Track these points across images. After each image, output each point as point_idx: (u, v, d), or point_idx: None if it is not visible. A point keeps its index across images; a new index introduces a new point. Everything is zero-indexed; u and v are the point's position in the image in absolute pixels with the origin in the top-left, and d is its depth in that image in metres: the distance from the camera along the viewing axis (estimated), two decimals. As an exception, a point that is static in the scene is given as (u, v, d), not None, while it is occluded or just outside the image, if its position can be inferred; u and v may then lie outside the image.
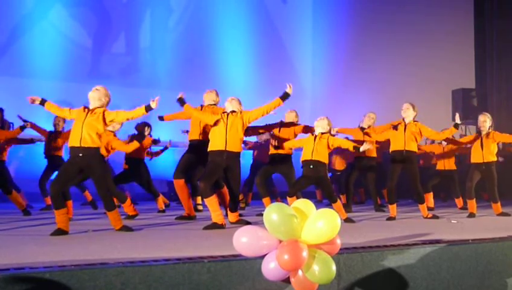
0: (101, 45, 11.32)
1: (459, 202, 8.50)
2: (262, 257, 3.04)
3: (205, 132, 5.99)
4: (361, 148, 5.86)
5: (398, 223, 6.13)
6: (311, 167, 5.97)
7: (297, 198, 5.59)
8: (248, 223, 5.26)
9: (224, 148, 5.37)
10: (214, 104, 6.34)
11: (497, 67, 13.79)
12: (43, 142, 7.89)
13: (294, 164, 6.69)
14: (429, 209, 7.37)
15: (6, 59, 10.38)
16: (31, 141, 7.51)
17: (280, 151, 6.62)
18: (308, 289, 3.06)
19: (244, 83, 11.39)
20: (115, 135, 6.86)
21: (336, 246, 3.15)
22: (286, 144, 6.40)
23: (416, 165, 6.71)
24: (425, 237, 4.45)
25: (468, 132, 12.87)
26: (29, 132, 7.89)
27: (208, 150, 5.49)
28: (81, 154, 4.72)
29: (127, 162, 7.35)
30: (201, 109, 6.28)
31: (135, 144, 6.72)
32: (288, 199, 6.03)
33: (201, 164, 5.95)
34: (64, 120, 7.74)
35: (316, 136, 6.03)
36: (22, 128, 7.14)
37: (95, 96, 4.83)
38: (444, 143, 8.33)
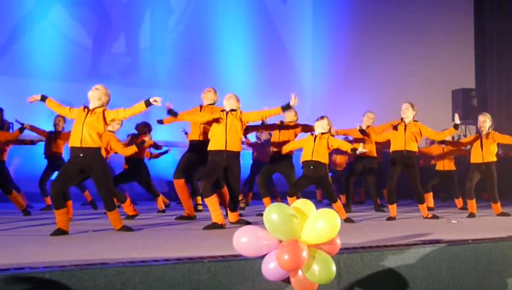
0: (101, 45, 11.32)
1: (458, 202, 8.50)
2: (262, 257, 3.04)
3: (205, 132, 5.99)
4: (358, 151, 5.84)
5: (398, 223, 6.13)
6: (312, 167, 5.97)
7: (298, 198, 5.61)
8: (248, 223, 5.26)
9: (224, 148, 5.38)
10: (213, 104, 6.34)
11: (497, 67, 13.78)
12: (43, 143, 7.89)
13: (295, 164, 6.69)
14: (429, 209, 7.37)
15: (6, 59, 10.38)
16: (31, 142, 7.51)
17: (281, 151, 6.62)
18: (308, 289, 3.06)
19: (244, 83, 11.39)
20: (114, 136, 6.85)
21: (336, 246, 3.15)
22: (285, 147, 6.39)
23: (417, 165, 6.71)
24: (425, 237, 4.45)
25: (468, 132, 12.87)
26: (29, 133, 7.89)
27: (208, 149, 5.49)
28: (81, 155, 4.72)
29: (127, 162, 7.35)
30: (200, 110, 6.27)
31: (133, 149, 6.69)
32: (289, 198, 6.03)
33: (202, 164, 5.95)
34: (64, 120, 7.74)
35: (315, 136, 6.03)
36: (21, 130, 7.12)
37: (95, 96, 4.83)
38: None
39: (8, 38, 10.49)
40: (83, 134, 4.71)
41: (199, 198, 7.48)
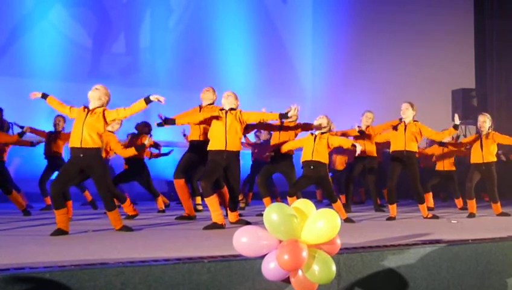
0: (101, 45, 11.32)
1: (458, 202, 8.50)
2: (262, 257, 3.04)
3: (205, 132, 5.98)
4: (357, 152, 5.83)
5: (398, 223, 6.13)
6: (312, 167, 5.97)
7: (298, 198, 5.61)
8: (248, 223, 5.26)
9: (224, 148, 5.38)
10: (212, 103, 6.32)
11: (497, 67, 13.78)
12: (43, 143, 7.89)
13: (295, 163, 6.68)
14: (429, 209, 7.37)
15: (6, 59, 10.38)
16: (31, 144, 7.51)
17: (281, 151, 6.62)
18: (308, 289, 3.06)
19: (244, 83, 11.38)
20: (114, 136, 6.84)
21: (336, 246, 3.15)
22: (285, 146, 6.38)
23: (417, 165, 6.71)
24: (425, 237, 4.45)
25: (468, 132, 12.86)
26: (29, 134, 7.88)
27: (208, 149, 5.49)
28: (81, 155, 4.73)
29: (127, 162, 7.35)
30: (200, 110, 6.27)
31: (132, 151, 6.67)
32: (289, 198, 6.03)
33: (202, 164, 5.95)
34: (64, 120, 7.74)
35: (315, 136, 6.03)
36: (21, 135, 7.09)
37: (95, 96, 4.83)
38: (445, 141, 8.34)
39: (8, 38, 10.49)
40: (83, 134, 4.71)
41: (199, 198, 7.48)
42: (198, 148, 6.08)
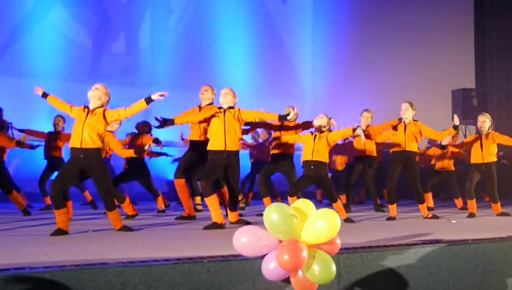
0: (101, 45, 11.33)
1: (458, 202, 8.50)
2: (262, 257, 3.04)
3: (206, 132, 5.97)
4: (356, 132, 5.85)
5: (398, 223, 6.13)
6: (312, 167, 5.97)
7: (298, 198, 5.61)
8: (248, 223, 5.26)
9: (223, 148, 5.37)
10: (211, 103, 6.30)
11: (497, 67, 13.77)
12: (43, 143, 7.89)
13: (295, 163, 6.68)
14: (429, 209, 7.37)
15: (6, 59, 10.39)
16: (31, 147, 7.52)
17: (281, 150, 6.62)
18: (308, 289, 3.06)
19: (244, 83, 11.38)
20: (113, 135, 6.84)
21: (336, 246, 3.15)
22: (285, 137, 6.37)
23: (417, 165, 6.71)
24: (425, 237, 4.45)
25: (468, 132, 12.86)
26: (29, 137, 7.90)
27: (208, 149, 5.49)
28: (82, 156, 4.73)
29: (127, 162, 7.35)
30: (199, 110, 6.25)
31: (131, 153, 6.66)
32: (289, 198, 6.03)
33: (202, 164, 5.94)
34: (64, 120, 7.75)
35: (315, 135, 6.02)
36: (18, 143, 7.06)
37: (95, 96, 4.82)
38: (445, 142, 8.37)
39: (8, 38, 10.49)
40: (83, 135, 4.71)
41: (198, 198, 7.48)
42: (198, 148, 6.07)
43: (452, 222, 6.29)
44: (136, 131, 7.54)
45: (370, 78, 12.72)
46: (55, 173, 6.77)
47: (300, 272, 3.02)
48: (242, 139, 8.42)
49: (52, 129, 7.84)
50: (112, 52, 11.43)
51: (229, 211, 5.63)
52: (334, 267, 3.03)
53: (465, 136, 12.31)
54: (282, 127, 6.64)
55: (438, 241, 4.12)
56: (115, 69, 11.09)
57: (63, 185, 4.86)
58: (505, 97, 13.63)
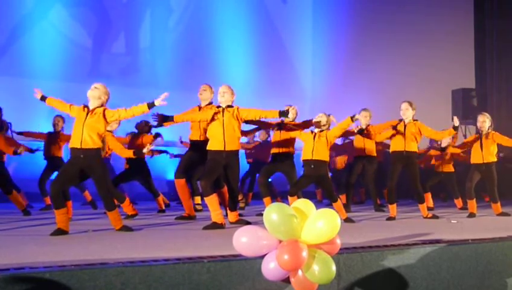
0: (101, 45, 11.33)
1: (458, 202, 8.51)
2: (262, 257, 3.04)
3: (206, 132, 5.96)
4: (355, 117, 5.84)
5: (398, 223, 6.13)
6: (312, 166, 5.97)
7: (298, 197, 5.60)
8: (248, 223, 5.26)
9: (223, 148, 5.36)
10: (211, 102, 6.29)
11: (497, 67, 13.77)
12: (43, 144, 7.89)
13: (295, 162, 6.68)
14: (429, 209, 7.37)
15: (6, 59, 10.39)
16: (30, 150, 7.52)
17: (282, 150, 6.62)
18: (308, 289, 3.06)
19: (244, 83, 11.38)
20: (113, 135, 6.84)
21: (335, 246, 3.16)
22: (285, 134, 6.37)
23: (417, 165, 6.71)
24: (425, 237, 4.45)
25: (468, 132, 12.86)
26: (27, 138, 7.91)
27: (207, 148, 5.48)
28: (82, 156, 4.73)
29: (128, 162, 7.34)
30: (199, 110, 6.25)
31: (130, 154, 6.66)
32: (290, 198, 6.03)
33: (202, 164, 5.93)
34: (63, 120, 7.74)
35: (315, 134, 6.01)
36: (15, 153, 7.05)
37: (95, 95, 4.81)
38: (445, 143, 8.38)
39: (8, 38, 10.50)
40: (83, 136, 4.71)
41: (198, 198, 7.47)
42: (198, 148, 6.07)
43: (452, 222, 6.29)
44: (136, 131, 7.54)
45: (370, 78, 12.72)
46: (55, 173, 6.78)
47: (300, 272, 3.02)
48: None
49: (51, 129, 7.84)
50: (112, 52, 11.43)
51: (228, 211, 5.63)
52: (334, 267, 3.04)
53: (465, 136, 12.31)
54: (282, 127, 6.63)
55: (438, 241, 4.12)
56: (115, 69, 11.09)
57: (63, 185, 4.85)
58: (505, 97, 13.63)
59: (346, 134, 7.69)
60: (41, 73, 10.32)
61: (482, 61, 14.07)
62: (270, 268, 2.99)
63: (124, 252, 3.57)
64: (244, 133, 6.31)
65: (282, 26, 12.97)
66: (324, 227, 3.02)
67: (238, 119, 5.44)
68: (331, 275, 3.02)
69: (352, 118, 5.87)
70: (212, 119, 5.45)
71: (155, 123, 5.57)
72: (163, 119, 5.49)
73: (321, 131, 6.01)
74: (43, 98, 4.97)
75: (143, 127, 7.45)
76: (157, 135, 7.58)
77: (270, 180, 7.20)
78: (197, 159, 6.17)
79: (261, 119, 5.91)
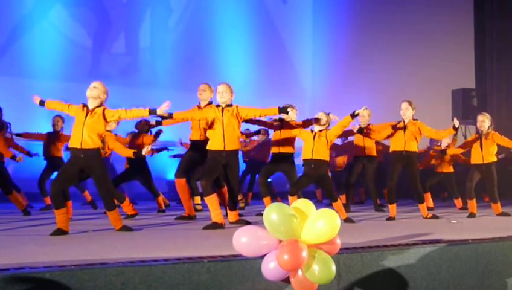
0: (101, 45, 11.33)
1: (458, 202, 8.52)
2: (262, 257, 3.04)
3: (206, 132, 5.96)
4: (357, 111, 5.85)
5: (398, 223, 6.13)
6: (312, 166, 5.97)
7: (299, 197, 5.60)
8: (248, 223, 5.26)
9: (223, 148, 5.36)
10: (211, 102, 6.27)
11: (497, 67, 13.78)
12: (42, 144, 7.89)
13: (296, 162, 6.68)
14: (429, 209, 7.36)
15: (6, 59, 10.39)
16: (28, 154, 7.50)
17: (282, 150, 6.61)
18: (308, 289, 3.06)
19: (244, 83, 11.39)
20: (112, 135, 6.82)
21: (335, 246, 3.15)
22: (285, 132, 6.36)
23: (417, 165, 6.71)
24: (425, 237, 4.45)
25: (468, 132, 12.87)
26: (26, 139, 7.91)
27: (207, 148, 5.47)
28: (82, 156, 4.73)
29: (128, 162, 7.34)
30: (199, 110, 6.23)
31: (129, 154, 6.65)
32: (290, 197, 6.03)
33: (203, 164, 5.93)
34: (63, 120, 7.74)
35: (315, 133, 6.01)
36: (13, 158, 7.03)
37: (94, 95, 4.79)
38: (445, 144, 8.39)
39: (8, 38, 10.50)
40: (83, 136, 4.70)
41: (198, 198, 7.47)
42: (199, 148, 6.06)
43: (452, 222, 6.29)
44: (136, 131, 7.53)
45: (370, 78, 12.72)
46: (55, 173, 6.78)
47: (300, 272, 3.02)
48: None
49: (51, 129, 7.84)
50: (112, 52, 11.43)
51: (228, 211, 5.63)
52: (334, 267, 3.03)
53: (465, 136, 12.32)
54: (282, 127, 6.62)
55: (438, 241, 4.12)
56: (115, 69, 11.10)
57: (63, 184, 4.85)
58: (505, 97, 13.64)
59: (346, 134, 7.69)
60: (41, 73, 10.33)
61: (482, 61, 14.07)
62: (270, 268, 2.99)
63: (124, 252, 3.57)
64: (243, 134, 6.29)
65: (282, 26, 12.98)
66: (324, 227, 3.02)
67: (237, 118, 5.43)
68: (331, 275, 3.02)
69: (352, 115, 5.86)
70: (213, 117, 5.44)
71: (154, 121, 5.56)
72: (163, 117, 5.48)
73: (321, 130, 6.01)
74: (42, 103, 4.98)
75: (143, 127, 7.44)
76: (158, 133, 7.56)
77: (270, 180, 7.20)
78: (197, 159, 6.17)
79: (260, 118, 5.90)
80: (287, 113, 5.59)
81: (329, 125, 6.08)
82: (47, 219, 5.88)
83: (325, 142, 5.95)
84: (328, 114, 6.07)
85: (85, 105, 4.83)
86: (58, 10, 10.86)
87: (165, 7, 11.91)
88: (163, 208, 7.45)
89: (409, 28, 13.31)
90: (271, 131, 7.29)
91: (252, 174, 9.29)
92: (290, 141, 6.60)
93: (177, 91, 10.46)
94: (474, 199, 7.13)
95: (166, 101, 4.81)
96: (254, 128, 7.44)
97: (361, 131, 6.95)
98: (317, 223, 3.03)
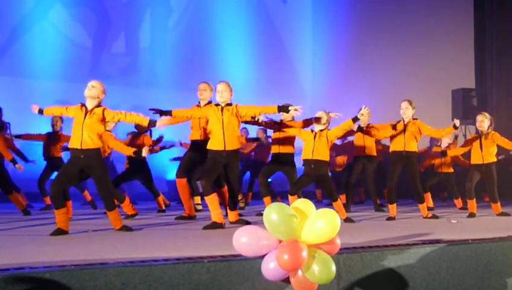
0: (101, 45, 11.33)
1: (458, 202, 8.52)
2: (262, 257, 3.04)
3: (206, 131, 5.95)
4: (359, 115, 5.84)
5: (398, 223, 6.13)
6: (313, 166, 5.96)
7: (299, 197, 5.60)
8: (248, 222, 5.26)
9: (223, 148, 5.35)
10: (210, 102, 6.26)
11: (497, 67, 13.77)
12: (42, 144, 7.89)
13: (296, 162, 6.68)
14: (429, 209, 7.36)
15: (6, 59, 10.39)
16: (25, 159, 7.49)
17: (282, 150, 6.61)
18: (308, 289, 3.06)
19: (244, 83, 11.39)
20: (111, 134, 6.82)
21: (335, 246, 3.15)
22: (286, 129, 6.33)
23: (417, 165, 6.70)
24: (425, 237, 4.45)
25: (468, 132, 12.86)
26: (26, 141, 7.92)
27: (207, 148, 5.47)
28: (82, 156, 4.73)
29: (128, 162, 7.34)
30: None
31: (130, 152, 6.65)
32: (290, 197, 6.03)
33: (203, 164, 5.92)
34: (62, 120, 7.74)
35: (315, 133, 6.00)
36: (12, 161, 7.03)
37: (93, 95, 4.78)
38: (445, 144, 8.40)
39: (8, 38, 10.50)
40: (83, 136, 4.71)
41: (198, 198, 7.47)
42: (199, 148, 6.05)
43: (452, 222, 6.29)
44: (136, 130, 7.52)
45: (370, 78, 12.72)
46: (55, 173, 6.77)
47: (300, 272, 3.02)
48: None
49: (50, 130, 7.83)
50: (112, 52, 11.43)
51: (228, 211, 5.63)
52: (333, 267, 3.04)
53: (465, 136, 12.31)
54: (279, 129, 6.60)
55: (438, 241, 4.12)
56: (115, 69, 11.10)
57: (63, 185, 4.86)
58: (505, 97, 13.63)
59: (347, 134, 7.68)
60: (41, 73, 10.33)
61: (482, 61, 14.06)
62: (270, 268, 2.99)
63: (124, 252, 3.57)
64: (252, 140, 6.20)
65: (282, 26, 12.98)
66: (324, 227, 3.02)
67: (237, 117, 5.42)
68: (331, 275, 3.02)
69: (353, 119, 5.87)
70: (212, 117, 5.42)
71: (161, 114, 5.54)
72: (161, 114, 5.49)
73: (321, 130, 6.00)
74: (41, 111, 5.00)
75: (143, 127, 7.43)
76: (159, 139, 7.57)
77: (270, 180, 7.20)
78: (198, 159, 6.16)
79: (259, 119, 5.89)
80: (287, 112, 5.59)
81: (329, 124, 6.08)
82: (47, 219, 5.88)
83: (326, 142, 5.94)
84: (328, 113, 6.06)
85: (83, 105, 4.82)
86: (58, 10, 10.86)
87: (165, 7, 11.92)
88: (163, 208, 7.45)
89: (409, 28, 13.31)
90: (270, 131, 7.29)
91: (252, 174, 9.30)
92: (290, 141, 6.60)
93: (177, 91, 10.48)
94: (474, 199, 7.13)
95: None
96: (254, 128, 7.44)
97: (361, 129, 6.92)
98: (317, 223, 3.03)
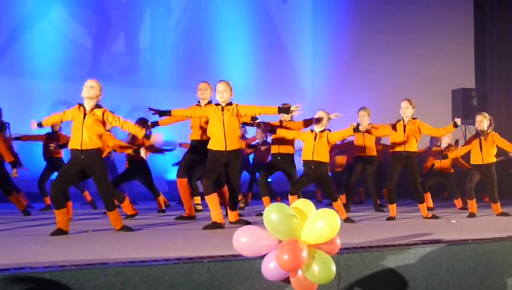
0: (101, 45, 11.33)
1: (457, 202, 8.52)
2: (262, 257, 3.05)
3: (206, 132, 5.94)
4: (361, 128, 5.85)
5: (398, 223, 6.13)
6: (313, 167, 5.96)
7: (299, 197, 5.60)
8: (248, 223, 5.26)
9: (224, 149, 5.35)
10: (210, 101, 6.25)
11: (497, 67, 13.77)
12: (42, 144, 7.89)
13: (296, 162, 6.67)
14: (428, 209, 7.36)
15: (6, 59, 10.39)
16: (21, 166, 7.50)
17: (282, 150, 6.61)
18: (308, 289, 3.06)
19: (244, 83, 11.38)
20: (110, 134, 6.81)
21: (335, 246, 3.16)
22: (282, 131, 6.29)
23: (416, 165, 6.70)
24: (425, 237, 4.45)
25: (468, 132, 12.86)
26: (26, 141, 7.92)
27: (208, 147, 5.46)
28: (82, 156, 4.73)
29: (129, 162, 7.34)
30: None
31: (130, 151, 6.66)
32: (290, 197, 6.03)
33: (203, 164, 5.92)
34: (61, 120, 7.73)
35: (316, 134, 6.00)
36: (12, 163, 7.02)
37: (91, 95, 4.77)
38: (444, 144, 8.41)
39: (8, 38, 10.50)
40: (82, 137, 4.71)
41: (198, 198, 7.47)
42: (199, 148, 6.05)
43: (452, 222, 6.29)
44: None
45: (370, 78, 12.72)
46: (55, 174, 6.77)
47: (300, 272, 3.02)
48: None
49: (50, 130, 7.83)
50: (112, 52, 11.43)
51: (229, 211, 5.63)
52: (333, 267, 3.04)
53: (465, 136, 12.31)
54: (275, 132, 6.58)
55: (438, 241, 4.12)
56: (115, 69, 11.09)
57: (63, 185, 4.86)
58: (505, 97, 13.63)
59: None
60: (41, 73, 10.33)
61: (482, 61, 14.06)
62: (270, 268, 2.99)
63: (124, 252, 3.57)
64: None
65: (282, 26, 12.98)
66: (324, 227, 3.02)
67: (238, 117, 5.42)
68: (331, 275, 3.02)
69: (355, 129, 5.86)
70: (212, 117, 5.42)
71: (150, 122, 5.56)
72: (161, 114, 5.50)
73: (322, 131, 6.00)
74: (40, 124, 4.99)
75: (143, 126, 7.42)
76: (156, 150, 7.57)
77: (270, 180, 7.20)
78: (198, 159, 6.15)
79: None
80: (287, 113, 5.58)
81: (328, 123, 6.08)
82: (47, 219, 5.88)
83: (326, 143, 5.94)
84: (328, 114, 6.06)
85: (81, 105, 4.81)
86: (58, 10, 10.85)
87: (165, 7, 11.91)
88: (163, 208, 7.45)
89: (409, 28, 13.31)
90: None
91: (252, 174, 9.29)
92: (290, 141, 6.60)
93: (177, 91, 10.47)
94: (474, 199, 7.13)
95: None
96: (253, 130, 7.43)
97: (357, 129, 6.87)
98: (317, 223, 3.03)
